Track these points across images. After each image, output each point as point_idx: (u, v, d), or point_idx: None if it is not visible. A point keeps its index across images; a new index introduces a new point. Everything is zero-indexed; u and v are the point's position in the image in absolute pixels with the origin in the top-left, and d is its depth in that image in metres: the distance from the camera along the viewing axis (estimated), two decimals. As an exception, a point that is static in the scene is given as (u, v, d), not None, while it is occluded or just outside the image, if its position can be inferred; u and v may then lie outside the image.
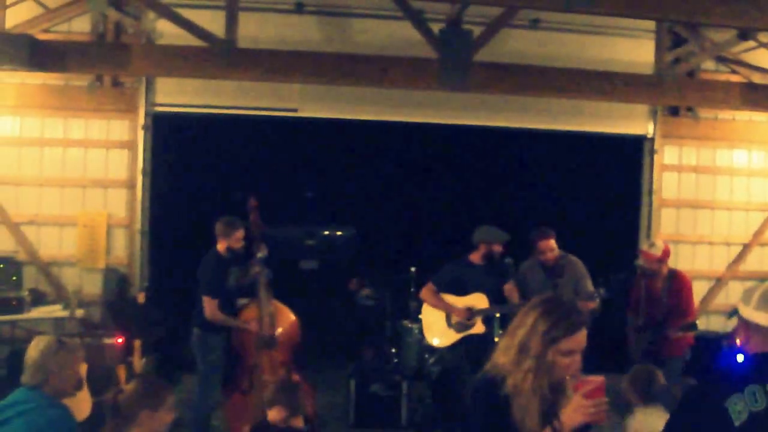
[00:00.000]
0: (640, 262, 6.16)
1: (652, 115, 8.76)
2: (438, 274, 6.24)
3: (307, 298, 6.20)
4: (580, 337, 2.45)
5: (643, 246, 6.22)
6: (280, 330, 5.91)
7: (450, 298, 6.14)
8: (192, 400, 6.04)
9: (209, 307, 5.67)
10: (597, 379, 2.43)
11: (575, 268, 6.02)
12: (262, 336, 5.81)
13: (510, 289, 6.08)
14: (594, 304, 5.82)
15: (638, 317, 6.15)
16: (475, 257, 6.13)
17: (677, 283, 6.07)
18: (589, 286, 5.99)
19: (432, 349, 6.48)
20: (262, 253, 5.91)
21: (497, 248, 6.08)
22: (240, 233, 5.90)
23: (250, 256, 6.00)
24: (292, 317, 6.03)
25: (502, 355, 2.49)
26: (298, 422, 4.06)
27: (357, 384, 6.52)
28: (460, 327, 6.09)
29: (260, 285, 5.88)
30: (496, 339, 6.02)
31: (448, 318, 6.15)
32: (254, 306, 5.91)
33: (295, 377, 5.89)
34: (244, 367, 5.84)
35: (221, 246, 5.89)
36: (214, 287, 5.71)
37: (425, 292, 6.26)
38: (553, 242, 5.99)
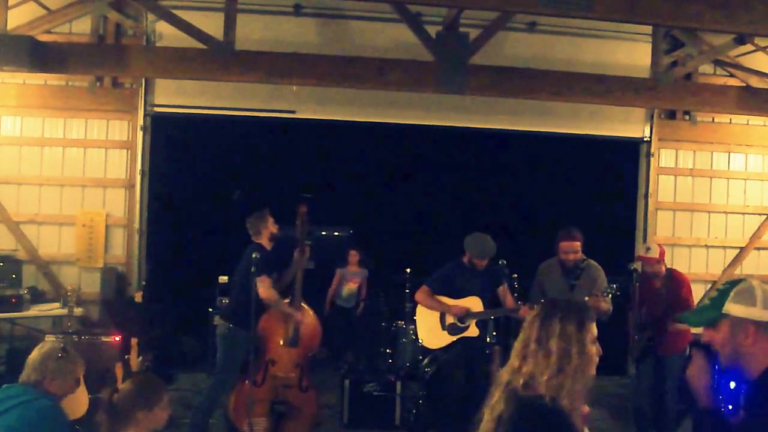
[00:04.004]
0: (636, 266, 6.21)
1: (648, 118, 8.82)
2: (432, 276, 6.25)
3: (314, 303, 6.23)
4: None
5: (640, 252, 6.24)
6: (304, 330, 5.98)
7: (445, 301, 6.16)
8: (202, 389, 6.10)
9: (265, 286, 5.67)
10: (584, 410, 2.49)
11: (594, 272, 5.92)
12: (292, 334, 5.89)
13: (504, 291, 6.10)
14: (606, 304, 5.72)
15: (638, 316, 6.17)
16: (468, 260, 6.15)
17: (676, 281, 6.16)
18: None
19: (426, 350, 6.51)
20: (306, 254, 5.97)
21: (478, 262, 6.07)
22: (270, 218, 5.99)
23: (289, 258, 6.06)
24: (316, 322, 6.09)
25: (543, 374, 2.38)
26: None
27: (351, 384, 6.55)
28: (453, 330, 6.12)
29: (297, 285, 5.93)
30: (488, 340, 6.07)
31: (442, 321, 6.18)
32: (286, 303, 5.96)
33: (305, 380, 5.96)
34: (261, 360, 5.90)
35: (263, 239, 5.94)
36: (268, 266, 5.71)
37: (420, 295, 6.28)
38: (577, 244, 5.87)
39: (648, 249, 6.18)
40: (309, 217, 6.04)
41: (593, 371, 2.45)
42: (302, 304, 5.97)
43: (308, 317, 6.03)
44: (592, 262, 5.98)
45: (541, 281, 6.14)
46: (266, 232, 5.96)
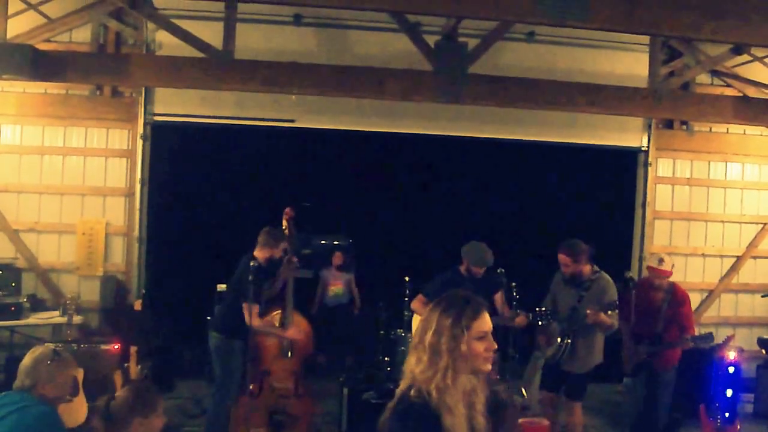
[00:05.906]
0: (632, 275, 6.17)
1: (646, 127, 8.87)
2: (428, 285, 6.22)
3: (303, 306, 6.22)
4: (487, 318, 2.45)
5: (652, 263, 6.09)
6: (298, 340, 5.94)
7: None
8: (201, 397, 6.03)
9: (251, 314, 5.58)
10: (542, 423, 2.43)
11: (603, 285, 5.77)
12: (286, 344, 5.86)
13: (500, 299, 6.10)
14: (610, 319, 5.55)
15: (633, 327, 6.11)
16: (464, 269, 6.15)
17: (679, 297, 6.07)
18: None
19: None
20: (293, 264, 5.91)
21: (477, 270, 6.04)
22: (284, 244, 5.92)
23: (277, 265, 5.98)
24: (308, 329, 6.04)
25: (416, 367, 2.40)
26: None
27: (350, 392, 6.55)
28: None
29: (288, 295, 5.87)
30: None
31: (439, 328, 6.16)
32: (277, 314, 5.93)
33: (301, 387, 5.95)
34: (257, 371, 5.87)
35: (263, 254, 5.85)
36: (257, 294, 5.63)
37: (416, 304, 6.28)
38: (563, 257, 5.75)
39: (661, 261, 6.03)
40: (307, 225, 6.00)
41: (481, 367, 2.43)
42: (294, 314, 5.92)
43: (301, 327, 5.97)
44: (604, 274, 5.84)
45: (554, 291, 6.08)
46: (271, 252, 5.87)
